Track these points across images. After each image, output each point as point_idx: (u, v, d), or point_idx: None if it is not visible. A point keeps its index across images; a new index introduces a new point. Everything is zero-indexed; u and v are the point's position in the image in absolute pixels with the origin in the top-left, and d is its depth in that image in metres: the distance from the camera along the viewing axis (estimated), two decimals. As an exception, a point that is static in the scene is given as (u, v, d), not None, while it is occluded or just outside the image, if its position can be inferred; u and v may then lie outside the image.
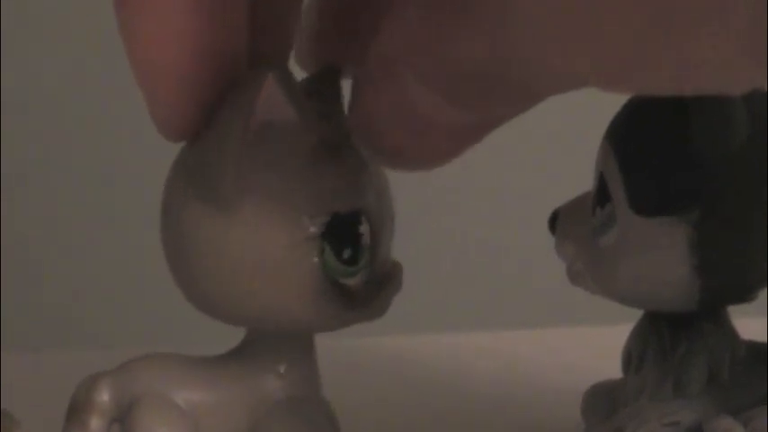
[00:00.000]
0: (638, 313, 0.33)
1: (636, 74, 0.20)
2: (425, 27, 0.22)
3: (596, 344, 0.38)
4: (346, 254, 0.25)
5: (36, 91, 0.77)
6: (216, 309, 0.26)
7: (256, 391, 0.27)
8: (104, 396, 0.27)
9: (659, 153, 0.30)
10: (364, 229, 0.26)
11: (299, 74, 0.27)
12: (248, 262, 0.25)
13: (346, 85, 0.26)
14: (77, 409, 0.27)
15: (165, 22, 0.24)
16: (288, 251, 0.25)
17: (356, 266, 0.26)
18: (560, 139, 0.74)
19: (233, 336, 0.28)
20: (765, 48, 0.18)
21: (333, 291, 0.26)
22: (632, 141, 0.30)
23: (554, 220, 0.33)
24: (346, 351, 0.43)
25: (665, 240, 0.30)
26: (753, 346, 0.32)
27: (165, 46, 0.24)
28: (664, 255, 0.30)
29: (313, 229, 0.25)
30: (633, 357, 0.32)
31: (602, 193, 0.31)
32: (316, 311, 0.26)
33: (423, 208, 0.75)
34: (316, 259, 0.25)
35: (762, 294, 0.31)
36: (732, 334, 0.32)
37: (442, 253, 0.78)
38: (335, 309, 0.26)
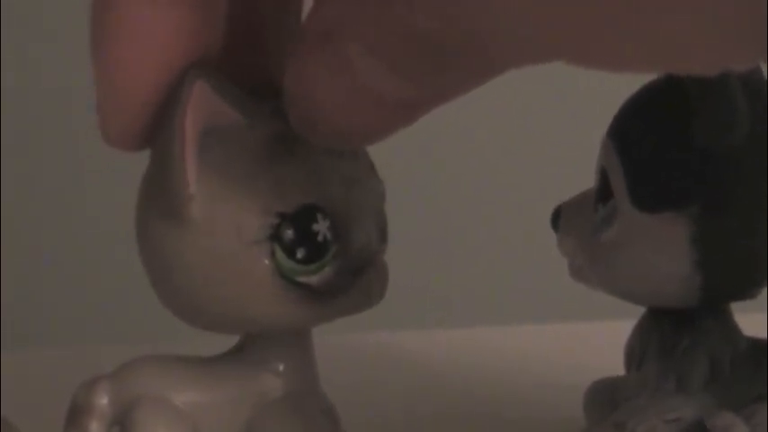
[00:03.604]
0: (640, 309, 0.33)
1: (609, 49, 0.20)
2: None
3: (598, 340, 0.38)
4: (300, 253, 0.25)
5: (36, 91, 0.77)
6: (187, 317, 0.26)
7: (254, 390, 0.27)
8: (103, 399, 0.27)
9: (661, 149, 0.30)
10: (320, 225, 0.25)
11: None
12: (205, 268, 0.25)
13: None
14: (77, 413, 0.27)
15: (144, 53, 0.24)
16: (239, 255, 0.25)
17: (316, 263, 0.26)
18: (563, 136, 0.74)
19: (231, 335, 0.28)
20: (739, 27, 0.18)
21: (294, 290, 0.25)
22: (634, 137, 0.30)
23: (556, 217, 0.33)
24: (347, 347, 0.43)
25: (666, 236, 0.30)
26: (754, 343, 0.32)
27: (139, 74, 0.24)
28: (665, 250, 0.30)
29: (260, 233, 0.25)
30: (635, 353, 0.32)
31: (604, 189, 0.31)
32: (281, 312, 0.26)
33: (426, 205, 0.75)
34: (267, 262, 0.25)
35: (763, 291, 0.31)
36: (734, 330, 0.32)
37: (444, 249, 0.78)
38: (302, 307, 0.26)
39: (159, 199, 0.25)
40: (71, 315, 0.77)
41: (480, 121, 0.76)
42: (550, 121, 0.75)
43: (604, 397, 0.33)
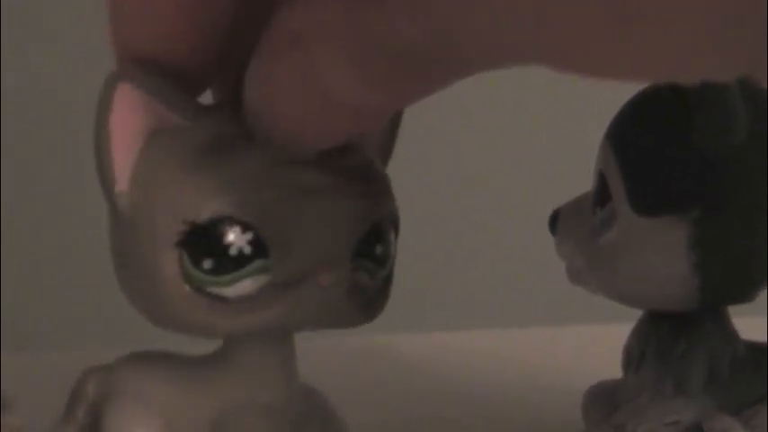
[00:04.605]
0: (638, 313, 0.33)
1: (591, 57, 0.19)
2: (348, 2, 0.21)
3: (596, 343, 0.38)
4: (207, 264, 0.24)
5: (36, 91, 0.77)
6: (136, 309, 0.26)
7: (229, 393, 0.27)
8: (90, 389, 0.27)
9: (660, 152, 0.30)
10: (237, 238, 0.24)
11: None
12: (130, 263, 0.25)
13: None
14: (71, 399, 0.28)
15: (152, 22, 0.24)
16: (153, 257, 0.25)
17: (227, 276, 0.24)
18: (561, 139, 0.74)
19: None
20: (724, 38, 0.18)
21: (201, 299, 0.25)
22: (633, 141, 0.30)
23: (554, 220, 0.33)
24: (347, 349, 0.43)
25: (665, 239, 0.30)
26: (752, 346, 0.32)
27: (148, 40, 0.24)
28: (664, 254, 0.30)
29: (169, 239, 0.24)
30: (633, 356, 0.32)
31: (602, 193, 0.31)
32: (197, 319, 0.25)
33: (423, 208, 0.75)
34: (176, 268, 0.24)
35: (761, 294, 0.31)
36: (732, 333, 0.32)
37: (441, 252, 0.78)
38: (211, 316, 0.25)
39: (103, 192, 0.26)
40: (71, 316, 0.77)
41: (479, 124, 0.76)
42: (548, 124, 0.75)
43: (603, 400, 0.33)
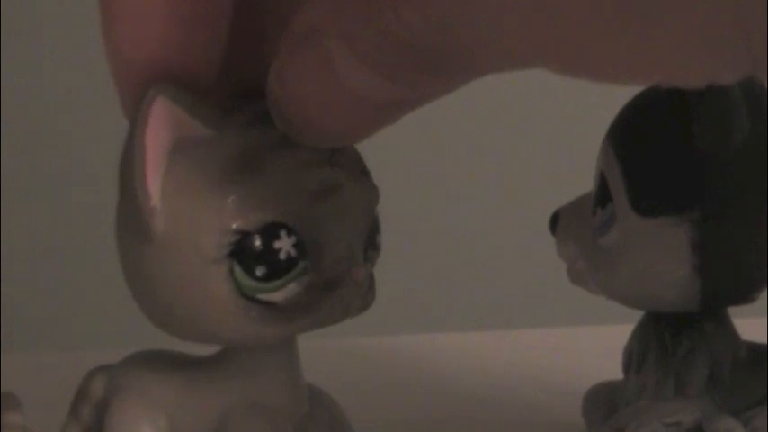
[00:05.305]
0: (638, 314, 0.33)
1: (592, 60, 0.19)
2: None
3: (597, 344, 0.38)
4: (259, 271, 0.25)
5: (36, 91, 0.77)
6: (164, 329, 0.26)
7: (232, 393, 0.27)
8: (95, 388, 0.28)
9: (660, 153, 0.30)
10: (284, 242, 0.25)
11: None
12: (168, 285, 0.25)
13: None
14: (76, 398, 0.28)
15: (144, 27, 0.24)
16: (199, 274, 0.25)
17: (278, 281, 0.25)
18: (561, 140, 0.74)
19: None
20: (723, 41, 0.18)
21: (255, 308, 0.25)
22: (633, 141, 0.30)
23: (555, 221, 0.33)
24: (344, 350, 0.43)
25: (666, 240, 0.30)
26: (753, 347, 0.32)
27: (141, 48, 0.24)
28: (665, 255, 0.30)
29: (218, 251, 0.24)
30: (634, 358, 0.32)
31: (603, 193, 0.31)
32: (245, 330, 0.25)
33: (424, 209, 0.75)
34: (226, 280, 0.25)
35: (762, 295, 0.31)
36: (733, 335, 0.32)
37: (442, 253, 0.78)
38: (266, 324, 0.25)
39: (128, 215, 0.25)
40: (70, 316, 0.77)
41: (479, 124, 0.76)
42: (549, 124, 0.75)
43: (603, 401, 0.33)
